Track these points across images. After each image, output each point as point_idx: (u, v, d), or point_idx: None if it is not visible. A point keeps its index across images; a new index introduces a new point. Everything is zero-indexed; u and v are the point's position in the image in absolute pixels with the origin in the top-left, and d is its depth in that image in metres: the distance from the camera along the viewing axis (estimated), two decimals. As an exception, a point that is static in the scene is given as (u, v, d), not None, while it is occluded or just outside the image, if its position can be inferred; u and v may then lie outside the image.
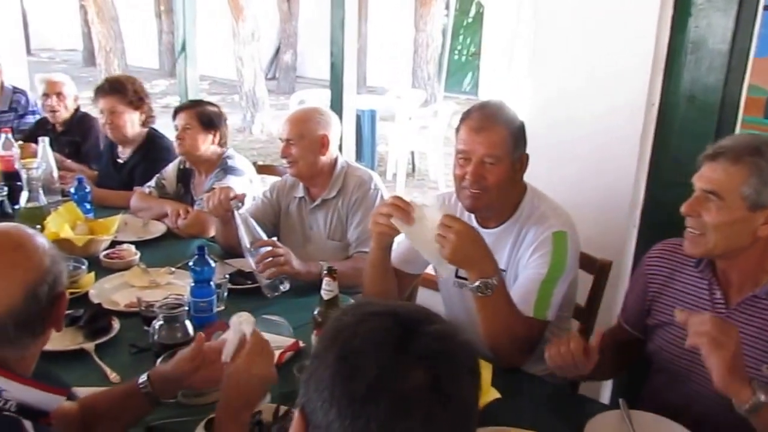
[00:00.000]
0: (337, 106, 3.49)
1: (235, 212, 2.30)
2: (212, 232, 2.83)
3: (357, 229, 2.53)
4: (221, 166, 2.93)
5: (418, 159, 8.10)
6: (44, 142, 3.01)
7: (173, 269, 2.47)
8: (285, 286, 2.25)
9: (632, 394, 1.80)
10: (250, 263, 2.26)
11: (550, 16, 2.62)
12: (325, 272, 1.82)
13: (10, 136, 3.19)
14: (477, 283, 1.80)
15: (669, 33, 2.27)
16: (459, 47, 14.32)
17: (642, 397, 1.85)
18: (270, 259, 2.21)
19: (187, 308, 1.89)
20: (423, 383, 0.80)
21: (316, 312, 1.85)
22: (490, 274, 1.81)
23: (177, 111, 2.97)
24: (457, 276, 2.12)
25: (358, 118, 7.94)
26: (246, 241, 2.26)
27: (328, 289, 1.82)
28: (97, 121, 3.93)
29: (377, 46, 14.02)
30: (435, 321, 0.86)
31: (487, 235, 2.00)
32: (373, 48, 13.97)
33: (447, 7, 11.91)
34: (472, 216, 2.08)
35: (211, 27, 15.90)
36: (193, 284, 2.08)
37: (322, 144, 2.55)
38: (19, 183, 3.14)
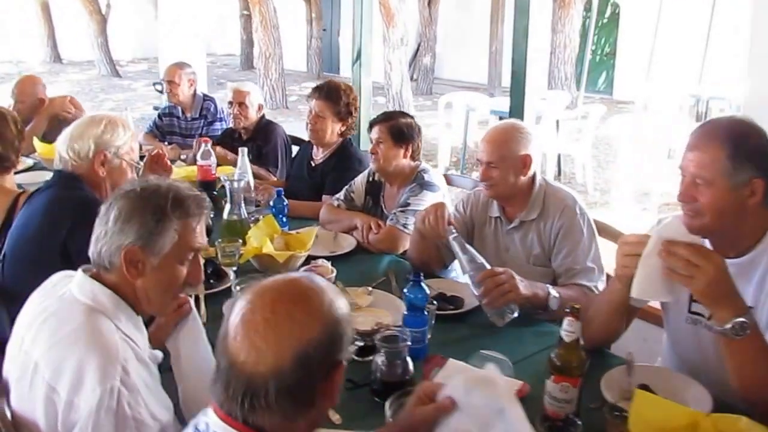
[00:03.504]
0: (518, 115, 3.21)
1: (450, 238, 2.06)
2: (403, 249, 2.63)
3: (567, 259, 2.22)
4: (416, 180, 2.70)
5: (563, 161, 7.61)
6: (243, 153, 2.92)
7: (371, 288, 2.27)
8: (514, 313, 1.99)
9: None
10: (472, 291, 2.02)
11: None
12: (568, 310, 1.55)
13: (209, 145, 3.13)
14: (730, 324, 1.48)
15: None
16: (593, 47, 13.58)
17: None
18: (494, 289, 1.95)
19: (409, 342, 1.67)
20: None
21: (553, 354, 1.58)
22: (743, 312, 1.49)
23: (372, 124, 2.78)
24: (690, 311, 1.79)
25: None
26: (467, 267, 2.02)
27: (569, 330, 1.54)
28: (280, 128, 3.88)
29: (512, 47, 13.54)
30: None
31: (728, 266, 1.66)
32: (509, 50, 13.50)
33: (589, 9, 11.22)
34: (706, 241, 1.74)
35: (349, 31, 16.12)
36: (406, 312, 1.87)
37: (524, 164, 2.27)
38: (215, 192, 3.08)
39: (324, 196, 3.10)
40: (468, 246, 2.06)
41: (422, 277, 1.85)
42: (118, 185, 2.12)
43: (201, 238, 1.48)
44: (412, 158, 2.75)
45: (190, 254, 1.46)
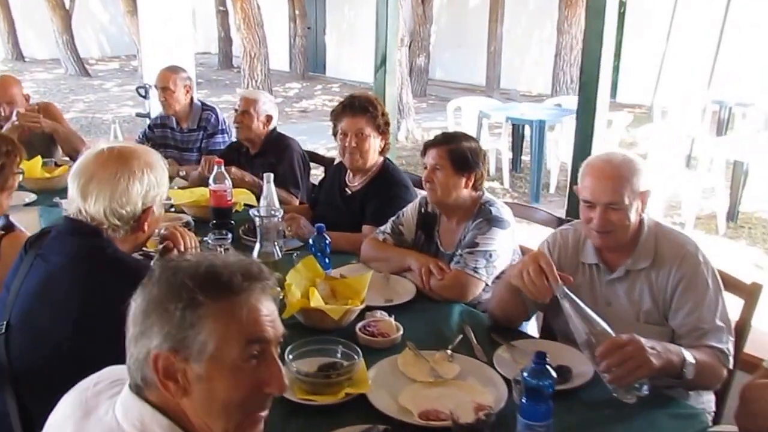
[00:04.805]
0: (586, 131, 2.86)
1: (559, 296, 1.70)
2: (472, 296, 2.27)
3: (691, 317, 1.87)
4: (482, 215, 2.33)
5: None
6: (268, 178, 2.52)
7: (450, 352, 1.90)
8: (644, 389, 1.64)
9: None
10: (591, 362, 1.66)
11: None
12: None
13: (222, 167, 2.74)
14: None
15: None
16: (596, 48, 13.40)
17: None
18: (621, 366, 1.60)
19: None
20: None
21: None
22: None
23: (427, 147, 2.40)
24: None
25: (522, 128, 7.28)
26: (582, 332, 1.66)
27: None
28: (294, 142, 3.50)
29: (511, 47, 13.33)
30: None
31: None
32: (507, 50, 13.28)
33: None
34: None
35: (343, 30, 15.82)
36: (524, 400, 1.50)
37: (643, 202, 1.93)
38: (232, 222, 2.71)
39: (363, 227, 2.73)
40: (583, 306, 1.71)
41: (548, 358, 1.49)
42: (149, 236, 1.73)
43: (265, 320, 1.05)
44: (474, 188, 2.39)
45: (252, 349, 1.04)
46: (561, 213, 3.01)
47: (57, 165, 3.64)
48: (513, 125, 7.26)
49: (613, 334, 1.66)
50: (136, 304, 1.05)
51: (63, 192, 3.25)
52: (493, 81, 13.02)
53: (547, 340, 2.13)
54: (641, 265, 1.96)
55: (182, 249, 1.93)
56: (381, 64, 3.96)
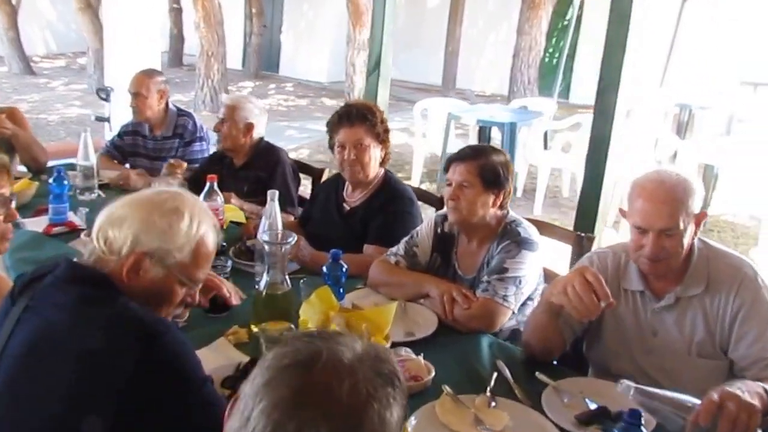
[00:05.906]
0: (602, 140, 2.70)
1: (630, 397, 1.49)
2: (500, 326, 2.06)
3: (755, 347, 1.71)
4: (510, 236, 2.11)
5: (548, 175, 7.18)
6: (272, 196, 2.26)
7: (490, 393, 1.69)
8: None
9: None
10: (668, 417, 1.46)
11: None
12: None
13: (215, 184, 2.46)
14: None
15: None
16: (551, 50, 13.44)
17: None
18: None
19: None
20: None
21: None
22: None
23: (452, 162, 2.17)
24: None
25: (489, 130, 7.13)
26: (676, 420, 1.40)
27: None
28: (283, 153, 3.23)
29: (467, 48, 13.23)
30: None
31: None
32: (463, 50, 13.18)
33: (566, 12, 11.01)
34: None
35: (300, 28, 15.44)
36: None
37: (698, 225, 1.76)
38: (223, 244, 2.43)
39: (366, 247, 2.49)
40: (658, 391, 1.45)
41: (642, 418, 1.28)
42: (161, 309, 1.40)
43: None
44: (501, 206, 2.18)
45: None
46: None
47: (15, 179, 3.26)
48: (480, 128, 7.10)
49: (698, 402, 1.44)
50: None
51: (24, 210, 2.95)
52: (449, 81, 12.90)
53: (564, 364, 1.95)
54: (693, 291, 1.79)
55: (230, 298, 1.79)
56: (375, 67, 3.73)
